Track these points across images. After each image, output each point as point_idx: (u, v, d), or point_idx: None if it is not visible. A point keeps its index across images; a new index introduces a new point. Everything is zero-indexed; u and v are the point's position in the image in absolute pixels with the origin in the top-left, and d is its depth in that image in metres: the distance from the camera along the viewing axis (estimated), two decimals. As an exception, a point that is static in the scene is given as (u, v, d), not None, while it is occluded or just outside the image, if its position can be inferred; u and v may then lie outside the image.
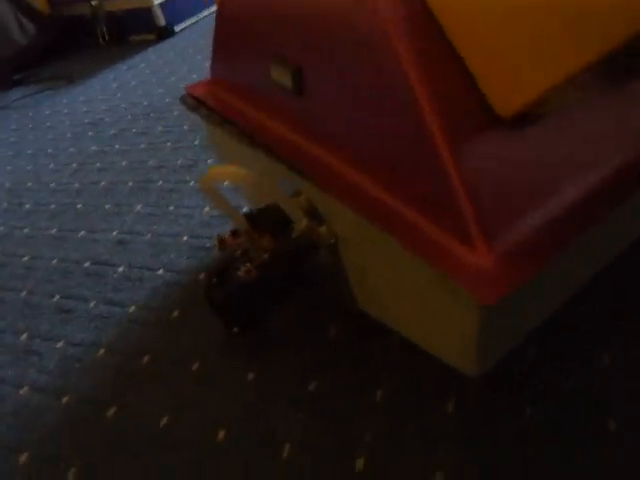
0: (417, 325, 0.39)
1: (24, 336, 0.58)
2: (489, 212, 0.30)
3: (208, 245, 0.64)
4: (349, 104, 0.36)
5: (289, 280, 0.46)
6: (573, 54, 0.28)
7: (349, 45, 0.34)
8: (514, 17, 0.28)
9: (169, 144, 0.91)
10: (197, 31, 1.53)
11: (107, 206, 0.78)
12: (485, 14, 0.29)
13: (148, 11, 1.49)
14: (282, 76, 0.42)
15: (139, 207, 0.75)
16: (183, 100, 0.59)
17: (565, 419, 0.38)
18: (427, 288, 0.34)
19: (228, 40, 0.51)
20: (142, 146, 0.93)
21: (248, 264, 0.43)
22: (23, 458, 0.45)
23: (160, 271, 0.62)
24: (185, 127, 0.96)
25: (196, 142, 0.89)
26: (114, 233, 0.71)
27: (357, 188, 0.36)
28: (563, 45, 0.27)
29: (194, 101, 0.57)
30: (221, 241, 0.47)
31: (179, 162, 0.85)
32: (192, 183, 0.78)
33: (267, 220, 0.44)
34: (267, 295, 0.46)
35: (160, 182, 0.80)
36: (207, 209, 0.71)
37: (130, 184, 0.82)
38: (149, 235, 0.69)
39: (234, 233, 0.48)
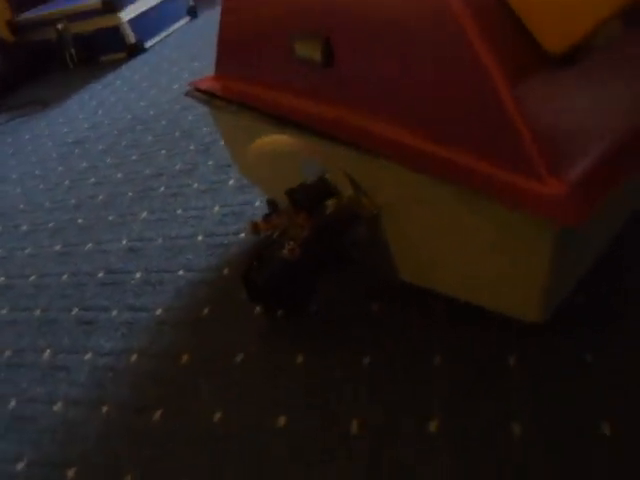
0: (476, 282, 0.38)
1: (47, 353, 0.56)
2: (554, 146, 0.30)
3: (226, 242, 0.62)
4: (394, 65, 0.35)
5: (330, 256, 0.45)
6: None
7: (387, 8, 0.34)
8: None
9: (163, 152, 0.89)
10: (168, 45, 1.52)
11: (110, 217, 0.76)
12: None
13: (117, 30, 1.47)
14: (310, 51, 0.41)
15: (144, 214, 0.74)
16: (190, 94, 0.58)
17: (627, 364, 0.37)
18: (492, 238, 0.34)
19: (237, 30, 0.50)
20: (134, 157, 0.91)
21: (291, 242, 0.42)
22: (71, 473, 0.43)
23: (180, 272, 0.60)
24: (177, 134, 0.94)
25: (191, 147, 0.88)
26: (123, 242, 0.69)
27: (412, 147, 0.35)
28: None
29: (203, 94, 0.56)
30: (254, 225, 0.46)
31: (177, 167, 0.83)
32: (196, 185, 0.76)
33: (308, 197, 0.43)
34: (309, 274, 0.45)
35: (162, 188, 0.78)
36: (217, 208, 0.69)
37: (130, 194, 0.80)
38: (161, 239, 0.67)
39: (267, 217, 0.47)
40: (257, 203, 0.67)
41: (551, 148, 0.30)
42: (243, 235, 0.62)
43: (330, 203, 0.43)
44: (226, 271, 0.58)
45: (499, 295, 0.37)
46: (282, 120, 0.45)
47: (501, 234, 0.33)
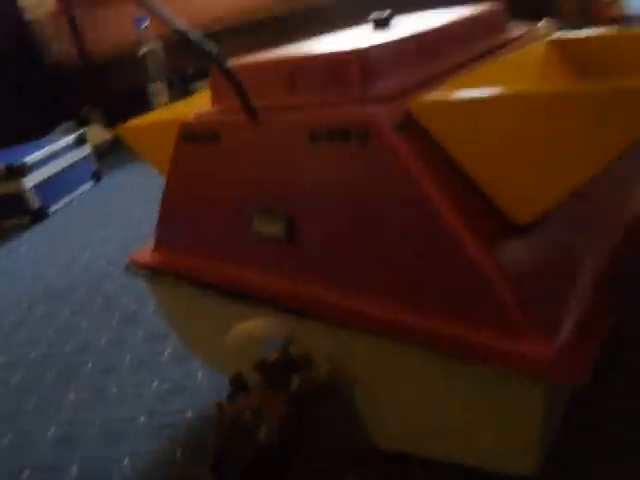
0: (461, 441, 0.39)
1: None
2: (537, 305, 0.33)
3: (172, 422, 0.59)
4: (364, 241, 0.38)
5: (307, 432, 0.44)
6: (585, 163, 0.32)
7: (353, 188, 0.37)
8: (522, 140, 0.33)
9: (85, 324, 0.86)
10: (74, 210, 1.51)
11: (31, 403, 0.69)
12: (494, 139, 0.34)
13: (20, 196, 1.45)
14: (271, 227, 0.43)
15: (72, 396, 0.68)
16: (130, 270, 0.58)
17: None
18: (482, 401, 0.36)
19: (186, 202, 0.52)
20: (51, 332, 0.86)
21: (268, 424, 0.41)
22: None
23: (126, 461, 0.56)
24: (97, 304, 0.91)
25: (116, 317, 0.85)
26: (51, 430, 0.63)
27: (389, 320, 0.37)
28: (576, 154, 0.32)
29: (147, 270, 0.56)
30: (220, 407, 0.45)
31: (104, 341, 0.79)
32: (128, 359, 0.73)
33: (280, 373, 0.43)
34: (288, 454, 0.43)
35: (89, 365, 0.74)
36: (156, 383, 0.66)
37: (52, 373, 0.75)
38: (97, 423, 0.62)
39: (232, 397, 0.46)
40: (199, 375, 0.66)
41: (535, 308, 0.33)
42: (190, 414, 0.60)
43: (301, 377, 0.44)
44: (179, 455, 0.54)
45: (491, 453, 0.39)
46: (244, 298, 0.46)
47: (492, 396, 0.35)
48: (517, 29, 0.58)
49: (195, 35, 0.37)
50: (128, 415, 0.62)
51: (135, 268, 0.58)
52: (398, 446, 0.45)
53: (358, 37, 0.45)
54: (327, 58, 0.39)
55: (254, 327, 0.46)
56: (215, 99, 0.47)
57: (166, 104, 2.10)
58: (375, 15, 0.51)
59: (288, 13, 2.43)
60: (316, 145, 0.38)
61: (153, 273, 0.55)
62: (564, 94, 0.31)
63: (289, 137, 0.39)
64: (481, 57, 0.48)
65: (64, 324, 0.88)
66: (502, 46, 0.52)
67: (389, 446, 0.45)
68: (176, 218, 0.53)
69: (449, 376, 0.37)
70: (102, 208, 1.46)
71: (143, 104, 2.11)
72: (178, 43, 2.21)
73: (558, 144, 0.32)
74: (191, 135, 0.47)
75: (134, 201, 1.45)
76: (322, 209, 0.39)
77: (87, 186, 1.70)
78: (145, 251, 0.58)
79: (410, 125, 0.35)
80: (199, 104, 0.63)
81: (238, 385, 0.44)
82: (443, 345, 0.34)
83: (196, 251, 0.52)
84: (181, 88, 2.20)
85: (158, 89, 2.09)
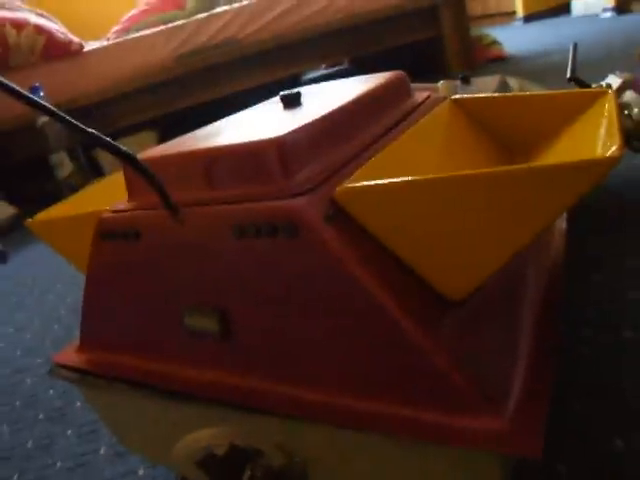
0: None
1: None
2: (483, 379, 0.34)
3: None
4: (302, 332, 0.38)
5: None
6: (513, 235, 0.34)
7: (287, 280, 0.37)
8: (447, 217, 0.34)
9: (5, 428, 0.79)
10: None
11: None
12: (419, 222, 0.35)
13: None
14: (203, 322, 0.42)
15: (-1, 517, 0.62)
16: (57, 374, 0.54)
17: None
18: (435, 474, 0.36)
19: (108, 302, 0.49)
20: (-33, 442, 0.79)
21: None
22: None
23: None
24: (17, 403, 0.84)
25: (41, 416, 0.79)
26: None
27: (330, 405, 0.37)
28: (504, 229, 0.34)
29: (74, 373, 0.53)
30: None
31: (29, 445, 0.73)
32: (59, 464, 0.67)
33: (229, 467, 0.42)
34: None
35: (15, 476, 0.68)
36: (93, 488, 0.62)
37: (-28, 493, 0.68)
38: None
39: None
40: (141, 472, 0.62)
41: (482, 381, 0.34)
42: (136, 517, 0.56)
43: (253, 467, 0.42)
44: None
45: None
46: (184, 396, 0.44)
47: (444, 472, 0.35)
48: (420, 93, 0.61)
49: (97, 134, 0.35)
50: (65, 531, 0.57)
51: (60, 371, 0.54)
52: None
53: (271, 120, 0.45)
54: (243, 148, 0.39)
55: (203, 436, 0.44)
56: (131, 192, 0.46)
57: (70, 177, 2.03)
58: (284, 93, 0.52)
59: (187, 73, 2.44)
60: (242, 240, 0.38)
61: (81, 376, 0.52)
62: (477, 176, 0.32)
63: (213, 233, 0.39)
64: (395, 126, 0.50)
65: (-19, 432, 0.80)
66: (411, 112, 0.54)
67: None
68: (100, 316, 0.51)
69: (404, 456, 0.36)
70: (12, 292, 1.37)
71: (45, 176, 2.03)
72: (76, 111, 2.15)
73: (479, 223, 0.33)
74: (109, 233, 0.45)
75: (48, 282, 1.37)
76: (253, 302, 0.39)
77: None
78: (69, 351, 0.55)
79: (337, 214, 0.36)
80: (113, 190, 0.61)
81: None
82: (393, 428, 0.34)
83: (127, 350, 0.50)
84: (84, 156, 2.14)
85: (60, 159, 2.02)
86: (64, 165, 2.03)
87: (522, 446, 0.31)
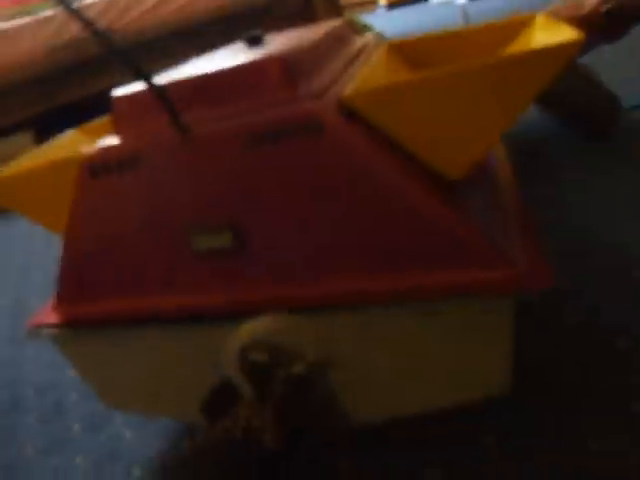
0: (438, 385, 0.44)
1: None
2: (493, 238, 0.39)
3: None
4: (319, 222, 0.40)
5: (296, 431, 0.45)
6: (495, 120, 0.39)
7: (311, 178, 0.40)
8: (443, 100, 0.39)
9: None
10: None
11: None
12: (424, 113, 0.39)
13: None
14: (216, 240, 0.43)
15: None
16: (37, 334, 0.52)
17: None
18: (455, 338, 0.40)
19: (97, 246, 0.48)
20: None
21: (267, 434, 0.41)
22: None
23: None
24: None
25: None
26: None
27: (361, 288, 0.40)
28: (488, 113, 0.39)
29: (61, 328, 0.51)
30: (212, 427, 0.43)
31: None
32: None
33: (260, 378, 0.43)
34: (286, 461, 0.44)
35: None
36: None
37: None
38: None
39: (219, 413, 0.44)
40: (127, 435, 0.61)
41: (493, 240, 0.39)
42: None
43: (283, 376, 0.44)
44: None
45: (468, 385, 0.43)
46: (199, 321, 0.45)
47: (465, 329, 0.40)
48: (359, 39, 0.66)
49: (121, 47, 0.36)
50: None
51: (40, 331, 0.52)
52: (379, 416, 0.47)
53: (252, 52, 0.48)
54: (252, 66, 0.41)
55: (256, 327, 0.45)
56: (121, 127, 0.45)
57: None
58: (249, 34, 0.54)
59: (59, 68, 2.30)
60: (259, 149, 0.40)
61: (70, 330, 0.50)
62: (470, 68, 0.37)
63: (227, 146, 0.40)
64: (356, 60, 0.54)
65: None
66: (361, 52, 0.59)
67: (370, 419, 0.48)
68: (88, 264, 0.49)
69: (423, 327, 0.41)
70: None
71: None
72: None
73: (474, 109, 0.38)
74: (100, 169, 0.45)
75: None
76: (270, 209, 0.41)
77: None
78: (47, 312, 0.53)
79: (351, 113, 0.39)
80: (73, 144, 0.59)
81: (223, 395, 0.43)
82: (428, 293, 0.38)
83: (122, 291, 0.49)
84: None
85: None
86: None
87: (538, 284, 0.36)
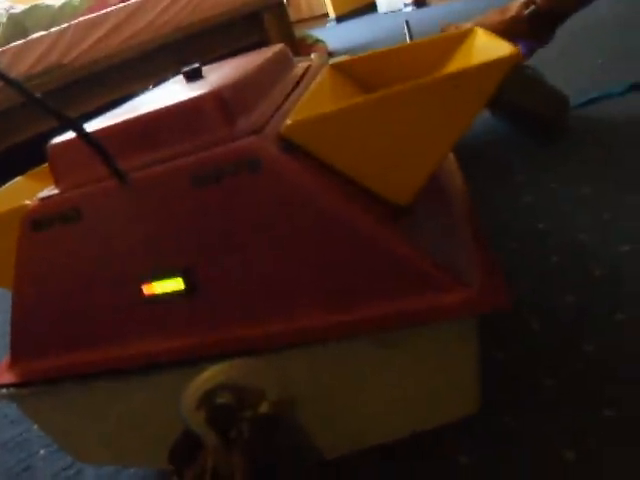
0: (409, 414, 0.43)
1: None
2: (445, 262, 0.39)
3: None
4: (271, 262, 0.39)
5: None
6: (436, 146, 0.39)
7: (254, 215, 0.39)
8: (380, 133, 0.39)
9: None
10: None
11: None
12: (364, 139, 0.39)
13: None
14: (167, 286, 0.42)
15: None
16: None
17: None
18: (418, 365, 0.40)
19: (46, 300, 0.46)
20: None
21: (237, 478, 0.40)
22: None
23: None
24: None
25: None
26: None
27: (315, 325, 0.39)
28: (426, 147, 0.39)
29: (16, 388, 0.49)
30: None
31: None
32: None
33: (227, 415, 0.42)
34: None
35: None
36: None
37: None
38: None
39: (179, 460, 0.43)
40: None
41: (445, 264, 0.39)
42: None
43: (249, 417, 0.43)
44: None
45: (437, 408, 0.43)
46: (158, 369, 0.44)
47: (427, 356, 0.40)
48: (301, 62, 0.66)
49: (41, 98, 0.35)
50: None
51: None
52: (348, 448, 0.47)
53: (189, 88, 0.47)
54: (185, 105, 0.40)
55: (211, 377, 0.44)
56: (60, 177, 0.44)
57: None
58: (186, 68, 0.53)
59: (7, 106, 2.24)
60: (201, 189, 0.39)
61: (25, 389, 0.48)
62: (404, 90, 0.37)
63: (168, 190, 0.40)
64: (296, 87, 0.54)
65: None
66: (303, 77, 0.59)
67: (339, 452, 0.47)
68: (38, 319, 0.48)
69: (383, 358, 0.40)
70: None
71: None
72: None
73: (412, 132, 0.38)
74: (42, 221, 0.44)
75: None
76: (218, 249, 0.40)
77: None
78: (1, 371, 0.51)
79: (289, 146, 0.39)
80: (20, 192, 0.58)
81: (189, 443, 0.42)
82: (384, 324, 0.38)
83: (75, 345, 0.47)
84: None
85: None
86: None
87: (496, 303, 0.36)
